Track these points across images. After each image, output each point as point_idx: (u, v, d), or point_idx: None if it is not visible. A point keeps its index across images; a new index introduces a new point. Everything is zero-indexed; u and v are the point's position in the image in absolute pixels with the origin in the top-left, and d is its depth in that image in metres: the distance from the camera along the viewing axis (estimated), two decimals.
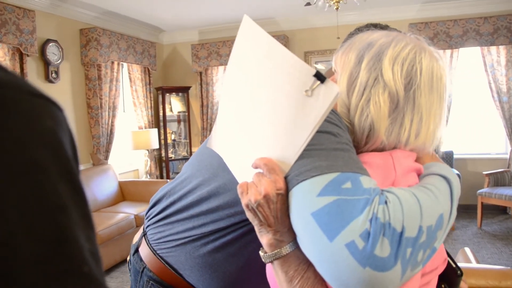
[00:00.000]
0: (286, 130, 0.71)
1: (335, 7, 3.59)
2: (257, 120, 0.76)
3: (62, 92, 4.72)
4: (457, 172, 4.90)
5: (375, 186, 0.67)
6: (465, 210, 5.52)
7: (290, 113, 0.70)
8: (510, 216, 5.23)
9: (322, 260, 0.64)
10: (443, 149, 4.92)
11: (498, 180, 5.03)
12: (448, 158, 5.33)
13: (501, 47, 5.21)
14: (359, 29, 1.09)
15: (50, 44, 4.46)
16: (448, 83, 0.83)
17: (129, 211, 4.50)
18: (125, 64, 5.70)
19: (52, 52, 4.49)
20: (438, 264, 0.81)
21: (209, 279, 0.99)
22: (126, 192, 5.15)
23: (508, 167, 5.22)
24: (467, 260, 2.07)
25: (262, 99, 0.75)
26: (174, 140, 6.61)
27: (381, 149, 0.80)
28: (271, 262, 0.75)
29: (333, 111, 0.76)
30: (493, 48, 5.25)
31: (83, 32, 4.98)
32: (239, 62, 0.80)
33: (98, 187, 4.74)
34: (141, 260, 1.09)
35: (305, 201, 0.66)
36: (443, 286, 0.90)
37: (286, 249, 0.72)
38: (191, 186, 1.00)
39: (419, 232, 0.64)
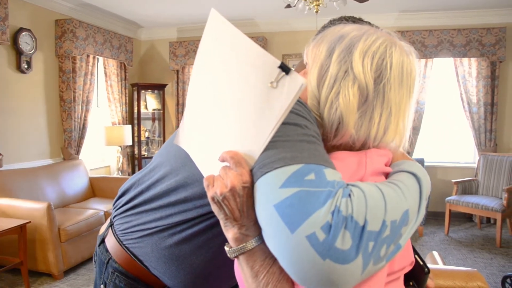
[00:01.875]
0: (251, 123, 0.70)
1: (315, 10, 3.62)
2: (223, 114, 0.75)
3: (34, 83, 4.60)
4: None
5: (340, 179, 0.66)
6: (434, 217, 5.65)
7: (255, 106, 0.69)
8: (476, 223, 5.37)
9: (284, 252, 0.62)
10: (414, 156, 4.99)
11: (465, 188, 5.17)
12: None
13: (473, 59, 5.36)
14: (332, 22, 1.09)
15: (23, 33, 4.33)
16: (417, 78, 0.82)
17: (98, 207, 4.41)
18: (100, 58, 5.60)
19: (25, 42, 4.36)
20: (405, 264, 0.81)
21: (175, 271, 0.97)
22: (96, 188, 5.04)
23: (475, 176, 5.37)
24: (434, 263, 2.12)
25: (228, 93, 0.74)
26: (147, 137, 6.53)
27: (350, 144, 0.79)
28: (237, 257, 0.73)
29: (302, 104, 0.75)
30: (465, 60, 5.40)
31: (58, 23, 4.87)
32: (206, 56, 0.78)
33: (68, 182, 4.64)
34: (106, 251, 1.07)
35: (268, 193, 0.65)
36: (411, 283, 0.91)
37: (252, 243, 0.71)
38: (159, 175, 0.98)
39: (382, 226, 0.63)
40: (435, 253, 2.33)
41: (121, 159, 5.84)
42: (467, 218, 5.58)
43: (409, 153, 5.64)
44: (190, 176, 0.91)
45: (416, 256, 0.90)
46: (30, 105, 4.57)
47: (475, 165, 5.50)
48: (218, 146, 0.75)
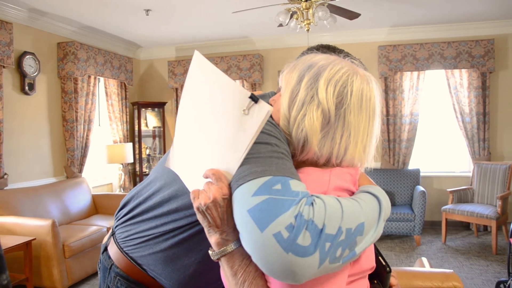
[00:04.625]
0: (229, 144, 0.83)
1: (306, 29, 3.76)
2: (206, 138, 0.89)
3: (38, 104, 4.76)
4: (423, 189, 5.10)
5: (304, 190, 0.78)
6: (431, 226, 5.73)
7: (232, 130, 0.83)
8: (473, 231, 5.44)
9: (255, 248, 0.74)
10: (410, 167, 5.07)
11: (461, 197, 5.26)
12: (414, 176, 5.54)
13: (464, 71, 5.50)
14: (310, 49, 1.21)
15: (27, 57, 4.50)
16: (377, 104, 0.94)
17: (101, 223, 4.51)
18: (101, 79, 5.76)
19: (28, 65, 4.53)
20: (366, 268, 0.92)
21: (171, 272, 1.10)
22: (99, 205, 5.16)
23: (470, 185, 5.46)
24: (422, 267, 2.22)
25: (210, 120, 0.88)
26: (148, 155, 6.66)
27: (316, 160, 0.91)
28: (219, 259, 0.86)
29: (274, 125, 0.89)
30: (456, 71, 5.54)
31: (60, 46, 5.04)
32: (191, 89, 0.93)
33: (71, 200, 4.75)
34: (109, 257, 1.20)
35: (243, 201, 0.77)
36: (375, 281, 1.03)
37: (231, 246, 0.84)
38: (154, 188, 1.12)
39: (338, 231, 0.75)
40: (424, 259, 2.44)
41: (122, 176, 5.95)
42: (465, 226, 5.66)
43: (405, 164, 5.75)
44: (180, 189, 1.04)
45: (380, 257, 1.02)
46: (34, 125, 4.72)
47: (470, 174, 5.59)
48: (202, 165, 0.88)
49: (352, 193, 0.91)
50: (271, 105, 1.03)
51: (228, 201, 0.82)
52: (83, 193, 5.00)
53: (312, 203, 0.76)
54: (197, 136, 0.92)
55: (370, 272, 0.95)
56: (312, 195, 0.78)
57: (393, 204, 5.51)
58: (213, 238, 0.86)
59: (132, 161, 5.89)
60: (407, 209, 5.17)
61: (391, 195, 5.52)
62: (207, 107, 0.88)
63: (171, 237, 1.07)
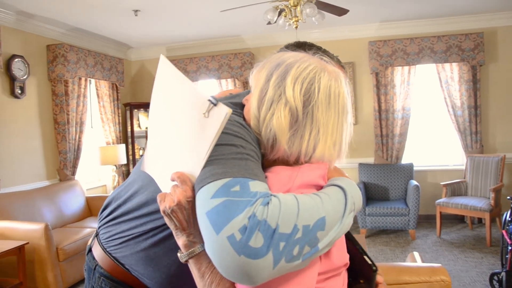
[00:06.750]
0: (192, 147, 0.84)
1: (295, 26, 3.76)
2: (173, 141, 0.91)
3: (28, 108, 4.73)
4: (417, 183, 5.11)
5: (265, 190, 0.78)
6: (426, 220, 5.75)
7: (194, 133, 0.84)
8: (467, 224, 5.47)
9: (212, 251, 0.74)
10: (403, 161, 5.06)
11: (455, 190, 5.28)
12: (408, 170, 5.56)
13: (454, 64, 5.52)
14: (287, 46, 1.21)
15: (16, 60, 4.47)
16: (348, 100, 0.93)
17: (95, 226, 4.49)
18: (92, 80, 5.74)
19: (18, 68, 4.50)
20: (339, 265, 0.91)
21: (152, 271, 1.10)
22: (93, 208, 5.14)
23: (464, 178, 5.48)
24: (413, 261, 2.23)
25: (175, 123, 0.89)
26: (142, 155, 6.62)
27: (286, 159, 0.90)
28: (187, 261, 0.87)
29: (244, 127, 0.89)
30: (447, 65, 5.55)
31: (50, 48, 5.01)
32: (158, 93, 0.95)
33: (65, 202, 4.74)
34: (93, 258, 1.21)
35: (202, 203, 0.77)
36: (361, 281, 1.02)
37: (199, 248, 0.85)
38: (132, 190, 1.13)
39: (294, 229, 0.73)
40: (416, 253, 2.45)
41: (116, 178, 5.94)
42: (459, 219, 5.68)
43: (398, 158, 5.76)
44: (156, 191, 1.03)
45: (365, 256, 1.01)
46: (25, 129, 4.69)
47: (463, 167, 5.61)
48: (170, 168, 0.90)
49: (321, 188, 0.89)
50: (243, 105, 1.04)
51: (193, 203, 0.82)
52: (77, 195, 4.98)
53: (268, 203, 0.75)
54: (166, 139, 0.93)
55: (344, 268, 0.94)
56: (270, 195, 0.78)
57: (387, 199, 5.53)
58: (180, 240, 0.87)
59: (125, 162, 5.87)
60: (401, 203, 5.19)
61: (385, 190, 5.54)
62: (173, 110, 0.90)
63: (150, 236, 1.07)
